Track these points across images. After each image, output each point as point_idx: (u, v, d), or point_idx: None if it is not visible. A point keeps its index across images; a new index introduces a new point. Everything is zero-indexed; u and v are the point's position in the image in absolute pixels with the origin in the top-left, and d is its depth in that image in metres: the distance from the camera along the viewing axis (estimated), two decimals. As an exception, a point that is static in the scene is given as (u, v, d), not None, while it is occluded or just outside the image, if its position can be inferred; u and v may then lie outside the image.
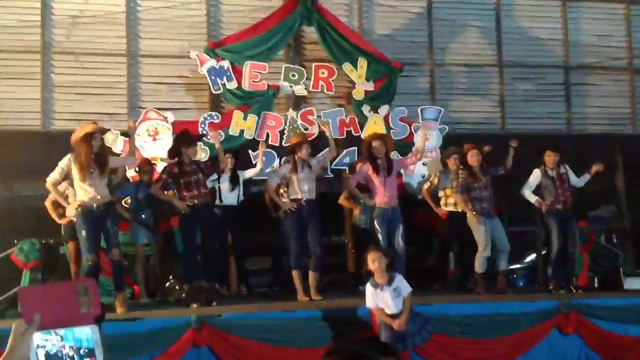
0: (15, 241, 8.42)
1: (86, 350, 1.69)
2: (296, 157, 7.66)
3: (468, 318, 7.04)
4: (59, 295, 1.72)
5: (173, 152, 7.74)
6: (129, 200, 8.29)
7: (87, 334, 1.70)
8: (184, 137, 7.75)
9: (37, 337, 1.67)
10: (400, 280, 6.19)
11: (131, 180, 8.49)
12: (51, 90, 9.23)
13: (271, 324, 6.62)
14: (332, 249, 9.50)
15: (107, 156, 7.03)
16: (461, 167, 8.14)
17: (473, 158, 8.00)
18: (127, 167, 8.21)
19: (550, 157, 8.12)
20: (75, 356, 1.68)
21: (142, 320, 6.43)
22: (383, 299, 6.11)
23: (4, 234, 8.87)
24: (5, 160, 9.03)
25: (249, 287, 8.74)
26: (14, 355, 1.66)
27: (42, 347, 1.67)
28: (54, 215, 7.73)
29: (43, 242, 8.44)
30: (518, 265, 10.22)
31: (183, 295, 7.58)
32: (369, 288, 6.18)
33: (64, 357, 1.67)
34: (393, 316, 6.12)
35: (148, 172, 8.27)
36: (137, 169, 8.36)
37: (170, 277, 8.51)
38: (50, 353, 1.67)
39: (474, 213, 7.87)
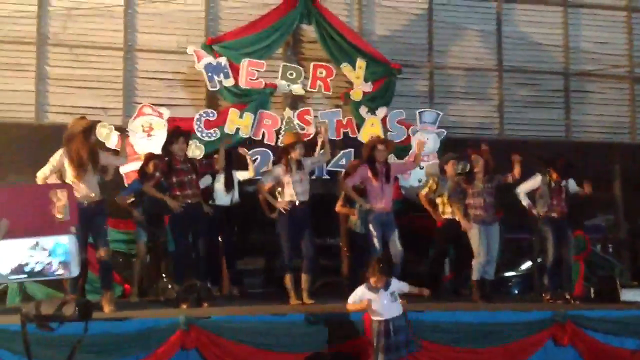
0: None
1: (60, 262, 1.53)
2: (289, 157, 7.54)
3: (461, 326, 6.90)
4: (32, 199, 1.55)
5: (164, 150, 7.63)
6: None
7: (63, 245, 1.54)
8: (172, 134, 7.64)
9: (20, 252, 1.49)
10: (396, 284, 6.19)
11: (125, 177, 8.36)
12: (45, 83, 9.10)
13: (260, 327, 6.46)
14: (326, 252, 9.40)
15: (98, 152, 6.88)
16: (460, 172, 8.06)
17: (476, 164, 7.91)
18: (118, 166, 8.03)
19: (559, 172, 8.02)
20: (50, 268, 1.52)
21: (129, 320, 6.25)
22: (379, 302, 6.03)
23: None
24: (-4, 152, 8.89)
25: (242, 288, 8.61)
26: None
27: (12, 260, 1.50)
28: None
29: None
30: (513, 273, 10.11)
31: (175, 295, 7.45)
32: (361, 288, 6.14)
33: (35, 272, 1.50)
34: (387, 322, 6.02)
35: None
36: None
37: (163, 276, 8.37)
38: (35, 270, 1.51)
39: (466, 220, 7.81)
